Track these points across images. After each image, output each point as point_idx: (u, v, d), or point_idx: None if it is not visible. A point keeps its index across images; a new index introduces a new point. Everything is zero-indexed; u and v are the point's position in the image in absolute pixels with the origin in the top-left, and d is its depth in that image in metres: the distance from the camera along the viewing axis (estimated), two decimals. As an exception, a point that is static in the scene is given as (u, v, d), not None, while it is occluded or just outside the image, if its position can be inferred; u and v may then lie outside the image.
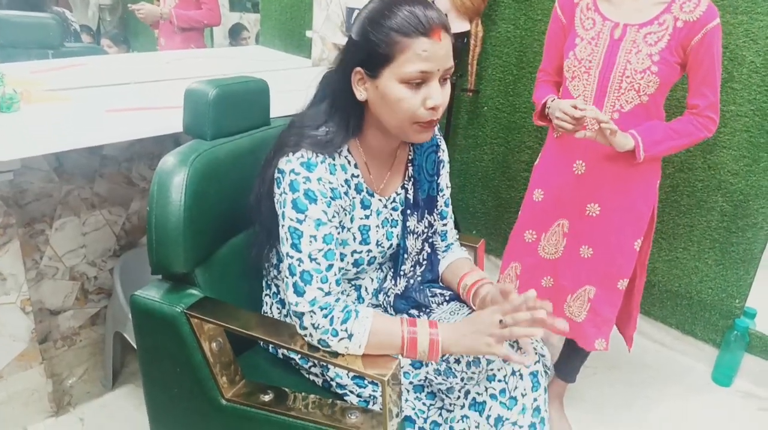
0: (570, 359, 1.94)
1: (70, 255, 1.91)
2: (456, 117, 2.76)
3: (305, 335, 1.09)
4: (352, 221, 1.19)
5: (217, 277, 1.27)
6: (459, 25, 2.38)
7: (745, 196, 2.08)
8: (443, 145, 1.35)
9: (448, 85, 1.09)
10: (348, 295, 1.29)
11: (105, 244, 1.98)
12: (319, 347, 1.09)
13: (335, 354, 1.09)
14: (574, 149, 1.65)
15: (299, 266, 1.08)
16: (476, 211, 2.84)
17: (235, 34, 3.74)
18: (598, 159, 1.62)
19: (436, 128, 1.22)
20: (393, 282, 1.32)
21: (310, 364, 1.27)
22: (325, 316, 1.07)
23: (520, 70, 2.51)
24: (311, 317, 1.07)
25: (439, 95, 1.06)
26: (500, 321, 1.07)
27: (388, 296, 1.31)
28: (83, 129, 1.51)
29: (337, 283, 1.11)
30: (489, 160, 2.72)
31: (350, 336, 1.07)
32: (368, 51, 1.05)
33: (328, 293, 1.08)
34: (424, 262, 1.36)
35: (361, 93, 1.10)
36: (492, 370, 1.18)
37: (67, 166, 1.81)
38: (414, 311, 1.33)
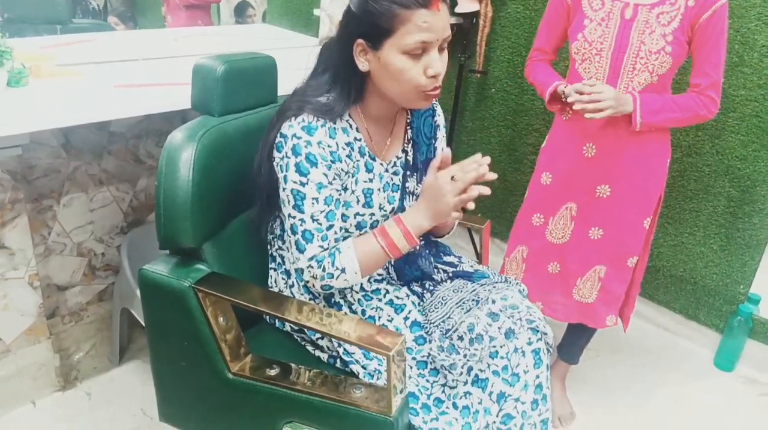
0: (574, 341, 1.96)
1: (78, 231, 1.92)
2: (463, 99, 2.74)
3: (311, 287, 1.20)
4: (356, 183, 1.22)
5: (225, 252, 1.27)
6: (468, 5, 2.36)
7: (753, 181, 2.07)
8: (439, 110, 1.39)
9: (445, 54, 1.14)
10: None
11: (112, 220, 1.99)
12: (322, 292, 1.21)
13: (336, 323, 1.10)
14: (585, 132, 1.64)
15: (301, 225, 1.15)
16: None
17: (241, 11, 3.72)
18: (609, 141, 1.61)
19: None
20: None
21: (317, 336, 1.28)
22: (319, 266, 1.15)
23: (529, 52, 2.49)
24: (310, 270, 1.16)
25: (438, 63, 1.10)
26: (452, 177, 1.13)
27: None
28: (92, 104, 1.52)
29: (336, 241, 1.17)
30: (496, 142, 2.71)
31: (343, 270, 1.15)
32: (369, 23, 1.08)
33: (326, 250, 1.16)
34: None
35: (363, 64, 1.13)
36: (494, 347, 1.19)
37: (75, 142, 1.81)
38: (417, 289, 1.34)
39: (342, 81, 1.17)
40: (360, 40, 1.10)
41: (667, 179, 1.73)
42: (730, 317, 2.21)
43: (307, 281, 1.18)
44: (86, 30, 2.47)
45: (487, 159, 1.16)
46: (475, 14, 2.39)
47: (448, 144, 2.69)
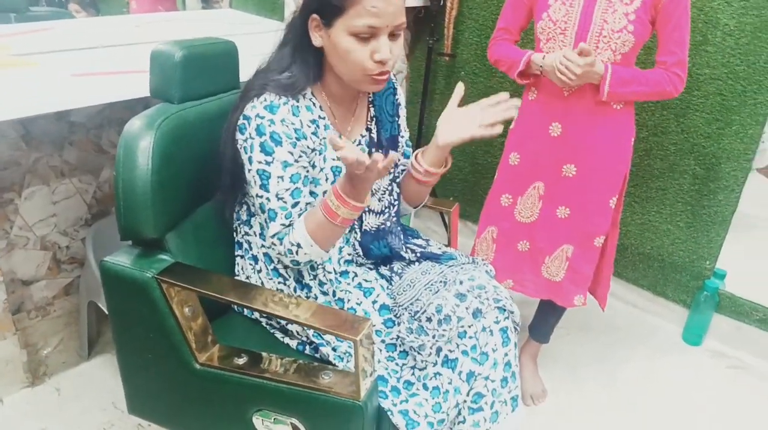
0: (544, 320, 1.98)
1: (41, 224, 1.88)
2: (433, 82, 2.73)
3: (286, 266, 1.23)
4: (324, 161, 1.22)
5: (190, 242, 1.26)
6: (435, -12, 2.34)
7: (717, 159, 2.11)
8: (400, 89, 1.40)
9: (400, 41, 1.14)
10: None
11: (76, 212, 1.95)
12: (294, 269, 1.24)
13: (301, 314, 1.09)
14: (550, 112, 1.65)
15: (267, 204, 1.15)
16: (453, 176, 2.85)
17: (207, -3, 3.64)
18: (574, 120, 1.62)
19: (390, 74, 1.23)
20: (359, 219, 1.33)
21: (285, 322, 1.27)
22: (281, 243, 1.17)
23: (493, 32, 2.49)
24: (274, 248, 1.19)
25: (386, 50, 1.10)
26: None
27: (356, 233, 1.33)
28: (49, 94, 1.47)
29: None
30: (466, 125, 2.70)
31: (299, 245, 1.15)
32: (324, 1, 1.08)
33: (288, 226, 1.16)
34: (395, 202, 1.39)
35: (316, 39, 1.14)
36: (462, 327, 1.20)
37: (34, 133, 1.76)
38: (386, 272, 1.34)
39: (300, 56, 1.17)
40: (315, 15, 1.11)
41: (634, 158, 1.75)
42: (697, 292, 2.25)
43: (279, 259, 1.20)
44: (44, 18, 2.40)
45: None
46: (442, -4, 2.38)
47: (418, 127, 2.68)
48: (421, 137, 2.70)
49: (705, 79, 2.06)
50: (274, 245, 1.17)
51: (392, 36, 1.11)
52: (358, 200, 1.11)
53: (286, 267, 1.27)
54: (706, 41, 2.02)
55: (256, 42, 2.30)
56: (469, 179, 2.80)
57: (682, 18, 1.49)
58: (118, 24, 2.43)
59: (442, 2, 2.39)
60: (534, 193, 1.75)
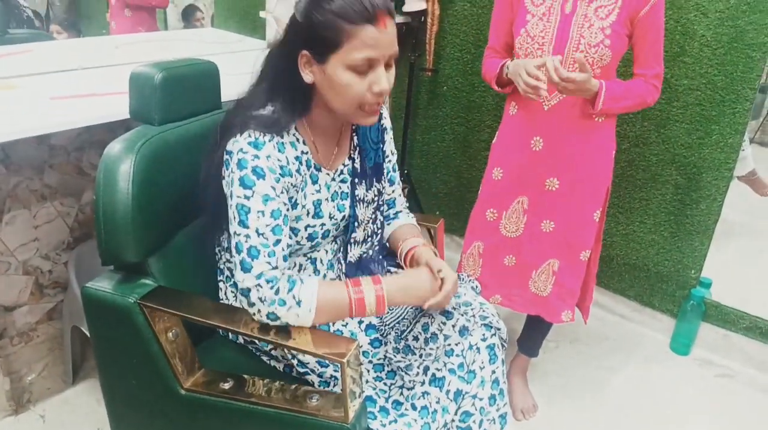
0: (532, 334, 1.98)
1: (22, 249, 1.85)
2: (416, 97, 2.75)
3: (254, 313, 1.09)
4: (305, 197, 1.20)
5: (172, 265, 1.24)
6: (416, 4, 2.36)
7: (698, 168, 2.13)
8: (385, 113, 1.37)
9: (393, 69, 1.11)
10: (304, 268, 1.28)
11: (58, 236, 1.93)
12: (269, 322, 1.09)
13: (288, 333, 1.08)
14: (531, 126, 1.66)
15: (246, 241, 1.07)
16: (438, 191, 2.85)
17: (189, 15, 3.64)
18: (556, 134, 1.63)
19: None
20: (344, 251, 1.32)
21: (270, 347, 1.26)
22: (271, 288, 1.07)
23: (478, 49, 2.51)
24: (258, 290, 1.06)
25: (385, 81, 1.08)
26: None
27: (341, 265, 1.31)
28: (27, 118, 1.46)
29: (284, 259, 1.11)
30: (450, 139, 2.72)
31: (299, 302, 1.08)
32: (315, 36, 1.05)
33: (275, 268, 1.08)
34: (378, 231, 1.37)
35: (307, 76, 1.10)
36: (449, 345, 1.19)
37: (14, 157, 1.74)
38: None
39: (285, 91, 1.13)
40: (305, 52, 1.07)
41: (617, 170, 1.76)
42: (683, 301, 2.27)
43: (253, 305, 1.08)
44: (24, 40, 2.38)
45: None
46: (423, 13, 2.39)
47: (402, 142, 2.69)
48: (406, 152, 2.71)
49: (684, 90, 2.08)
50: (260, 286, 1.06)
51: (387, 66, 1.09)
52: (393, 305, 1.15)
53: None
54: (684, 52, 2.05)
55: (238, 60, 2.30)
56: (454, 194, 2.80)
57: (658, 32, 1.52)
58: (98, 45, 2.42)
59: (423, 18, 2.41)
60: (518, 207, 1.75)
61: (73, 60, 2.02)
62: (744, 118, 2.01)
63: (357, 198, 1.29)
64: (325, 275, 1.30)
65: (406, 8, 2.44)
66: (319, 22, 1.03)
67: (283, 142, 1.12)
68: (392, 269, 1.38)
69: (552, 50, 1.55)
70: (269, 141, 1.09)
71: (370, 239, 1.34)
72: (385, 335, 1.24)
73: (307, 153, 1.19)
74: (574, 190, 1.67)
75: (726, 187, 2.11)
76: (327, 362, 1.21)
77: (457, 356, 1.20)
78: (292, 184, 1.14)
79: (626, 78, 1.62)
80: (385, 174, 1.37)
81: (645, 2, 1.48)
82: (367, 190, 1.31)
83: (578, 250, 1.72)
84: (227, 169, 1.10)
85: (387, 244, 1.42)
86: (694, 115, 2.09)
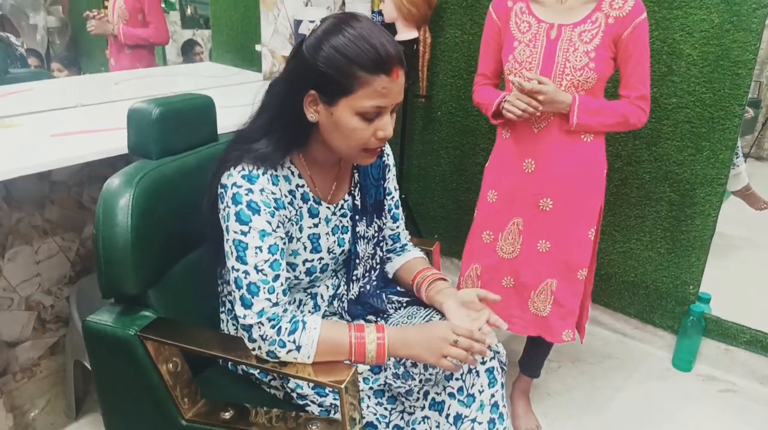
0: (533, 355, 1.98)
1: (25, 285, 1.87)
2: (411, 123, 2.78)
3: (254, 349, 1.10)
4: (301, 230, 1.20)
5: (172, 296, 1.26)
6: (407, 33, 2.41)
7: (691, 185, 2.15)
8: (387, 149, 1.37)
9: (395, 115, 1.13)
10: (304, 304, 1.29)
11: (60, 271, 1.95)
12: (268, 359, 1.10)
13: (286, 364, 1.10)
14: (523, 148, 1.69)
15: (245, 278, 1.08)
16: (436, 214, 2.87)
17: (188, 50, 3.70)
18: (546, 155, 1.66)
19: None
20: (346, 288, 1.33)
21: (269, 377, 1.27)
22: (273, 327, 1.08)
23: (470, 75, 2.55)
24: (259, 328, 1.08)
25: (389, 127, 1.10)
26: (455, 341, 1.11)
27: (343, 302, 1.32)
28: (28, 155, 1.49)
29: (284, 293, 1.11)
30: (446, 163, 2.75)
31: (298, 347, 1.08)
32: (327, 79, 1.05)
33: (275, 304, 1.09)
34: (378, 266, 1.38)
35: (312, 115, 1.10)
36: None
37: (15, 194, 1.77)
38: (371, 317, 1.34)
39: (286, 126, 1.12)
40: (313, 92, 1.07)
41: (611, 188, 1.78)
42: (683, 317, 2.27)
43: (254, 341, 1.09)
44: (25, 79, 2.43)
45: (480, 294, 1.25)
46: (415, 41, 2.44)
47: (399, 168, 2.72)
48: (402, 177, 2.74)
49: (673, 108, 2.11)
50: (261, 324, 1.07)
51: (391, 112, 1.11)
52: (397, 353, 1.13)
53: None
54: (671, 72, 2.09)
55: (235, 93, 2.34)
56: (452, 216, 2.82)
57: (642, 54, 1.55)
58: (98, 82, 2.46)
59: (415, 46, 2.46)
60: (514, 228, 1.77)
61: (73, 97, 2.06)
62: (734, 133, 2.04)
63: (358, 235, 1.30)
64: (325, 312, 1.31)
65: (398, 37, 2.48)
66: (331, 65, 1.03)
67: (277, 175, 1.13)
68: (393, 298, 1.38)
69: (539, 74, 1.58)
70: (263, 174, 1.10)
71: (368, 274, 1.36)
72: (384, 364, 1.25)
73: (303, 186, 1.20)
74: (568, 210, 1.69)
75: (719, 202, 2.13)
76: (326, 391, 1.22)
77: (456, 379, 1.20)
78: (286, 217, 1.15)
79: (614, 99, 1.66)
80: (386, 211, 1.38)
81: (627, 25, 1.52)
82: (367, 227, 1.32)
83: (575, 269, 1.74)
84: (222, 203, 1.11)
85: (393, 277, 1.43)
86: (684, 133, 2.12)
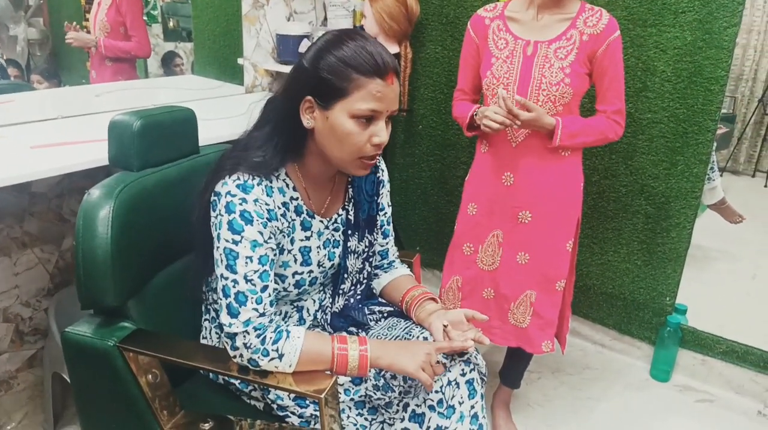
0: (514, 366, 1.99)
1: (3, 296, 1.86)
2: (393, 137, 2.81)
3: (235, 356, 1.10)
4: (292, 243, 1.21)
5: (152, 307, 1.26)
6: (388, 48, 2.43)
7: (667, 198, 2.19)
8: (382, 166, 1.39)
9: (390, 125, 1.15)
10: (290, 316, 1.30)
11: (38, 283, 1.93)
12: (249, 367, 1.10)
13: (267, 374, 1.10)
14: (501, 162, 1.72)
15: (234, 287, 1.09)
16: (418, 227, 2.89)
17: (168, 62, 3.70)
18: (525, 169, 1.69)
19: None
20: (331, 301, 1.34)
21: (250, 388, 1.27)
22: (258, 336, 1.08)
23: (450, 89, 2.59)
24: (244, 337, 1.08)
25: (384, 133, 1.11)
26: (438, 361, 1.15)
27: (326, 315, 1.33)
28: (7, 167, 1.49)
29: (271, 304, 1.12)
30: (427, 176, 2.78)
31: (281, 356, 1.09)
32: (323, 82, 1.08)
33: (262, 314, 1.10)
34: (364, 280, 1.39)
35: (308, 121, 1.12)
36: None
37: (-6, 206, 1.76)
38: (353, 329, 1.35)
39: (282, 135, 1.15)
40: (309, 97, 1.10)
41: (588, 201, 1.82)
42: (660, 328, 2.30)
43: (236, 349, 1.09)
44: (5, 91, 2.42)
45: (468, 314, 1.26)
46: (397, 56, 2.47)
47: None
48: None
49: (648, 123, 2.16)
50: (247, 333, 1.08)
51: (387, 122, 1.13)
52: (379, 364, 1.14)
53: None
54: (646, 88, 2.14)
55: (217, 105, 2.35)
56: (433, 229, 2.85)
57: (616, 70, 1.60)
58: (79, 94, 2.45)
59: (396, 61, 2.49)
60: (494, 241, 1.80)
61: (54, 109, 2.06)
62: (707, 148, 2.09)
63: (348, 249, 1.31)
64: (310, 325, 1.32)
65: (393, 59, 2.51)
66: (329, 70, 1.07)
67: (271, 187, 1.14)
68: (375, 309, 1.39)
69: (516, 90, 1.62)
70: (258, 185, 1.11)
71: (354, 287, 1.37)
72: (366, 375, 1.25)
73: (297, 199, 1.21)
74: (546, 222, 1.72)
75: (694, 215, 2.17)
76: (306, 402, 1.22)
77: (436, 392, 1.20)
78: (278, 228, 1.15)
79: (591, 113, 1.70)
80: (378, 226, 1.39)
81: (601, 42, 1.56)
82: (359, 242, 1.33)
83: (554, 280, 1.76)
84: (214, 211, 1.12)
85: (380, 293, 1.45)
86: (659, 147, 2.17)
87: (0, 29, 2.76)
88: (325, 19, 2.70)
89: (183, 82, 2.81)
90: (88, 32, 2.76)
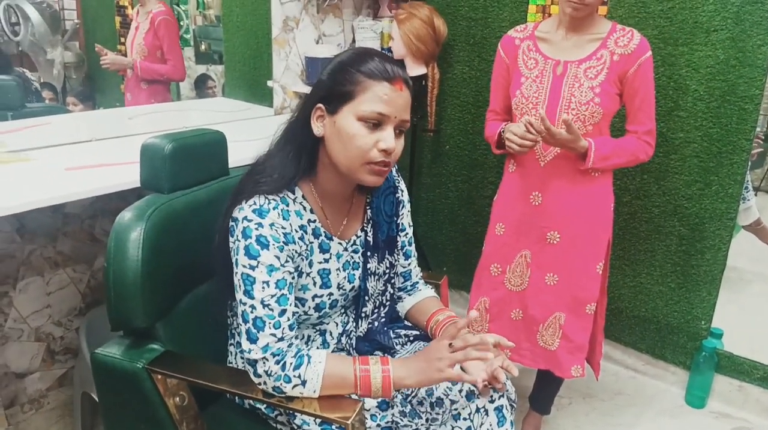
0: (544, 391, 1.96)
1: (35, 316, 1.89)
2: (419, 157, 2.81)
3: (259, 383, 1.10)
4: (310, 265, 1.20)
5: (180, 330, 1.26)
6: (416, 69, 2.45)
7: (701, 219, 2.14)
8: (402, 186, 1.37)
9: (402, 139, 1.14)
10: (313, 340, 1.29)
11: (70, 303, 1.96)
12: (274, 394, 1.09)
13: (292, 399, 1.09)
14: (530, 181, 1.70)
15: (252, 312, 1.09)
16: (445, 247, 2.87)
17: (201, 84, 3.77)
18: (553, 189, 1.67)
19: (393, 169, 1.25)
20: (355, 325, 1.33)
21: (276, 413, 1.26)
22: (278, 362, 1.08)
23: (478, 109, 2.58)
24: (264, 363, 1.08)
25: (391, 140, 1.09)
26: (450, 344, 1.11)
27: (351, 339, 1.32)
28: (42, 189, 1.52)
29: (291, 328, 1.12)
30: (454, 197, 2.76)
31: (304, 382, 1.08)
32: (332, 88, 1.10)
33: (281, 339, 1.09)
34: (387, 303, 1.37)
35: (318, 128, 1.13)
36: (456, 409, 1.18)
37: (29, 226, 1.80)
38: (378, 353, 1.33)
39: (294, 145, 1.15)
40: (319, 105, 1.12)
41: (619, 222, 1.78)
42: (696, 353, 2.24)
43: (259, 376, 1.09)
44: (41, 114, 2.48)
45: (493, 339, 1.14)
46: (424, 77, 2.47)
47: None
48: (410, 211, 2.75)
49: (680, 143, 2.12)
50: (266, 360, 1.07)
51: (398, 132, 1.12)
52: (404, 385, 1.13)
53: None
54: (678, 107, 2.10)
55: (247, 128, 2.38)
56: (461, 249, 2.82)
57: (648, 90, 1.58)
58: (113, 117, 2.51)
59: (423, 82, 2.49)
60: (522, 261, 1.77)
61: (88, 131, 2.11)
62: (742, 168, 2.04)
63: (369, 271, 1.30)
64: (334, 349, 1.31)
65: (407, 73, 2.53)
66: (338, 75, 1.10)
67: (288, 210, 1.14)
68: (401, 332, 1.38)
69: (545, 109, 1.61)
70: (273, 209, 1.11)
71: (377, 310, 1.35)
72: (392, 397, 1.24)
73: (314, 221, 1.20)
74: (575, 244, 1.69)
75: (729, 237, 2.12)
76: (333, 427, 1.21)
77: (465, 419, 1.18)
78: (296, 251, 1.15)
79: (621, 133, 1.67)
80: (399, 247, 1.38)
81: (633, 62, 1.54)
82: (378, 263, 1.32)
83: (583, 303, 1.73)
84: (232, 237, 1.12)
85: (405, 316, 1.43)
86: (692, 167, 2.12)
87: (38, 53, 2.84)
88: (353, 41, 2.73)
89: (214, 104, 2.86)
90: (124, 55, 2.83)
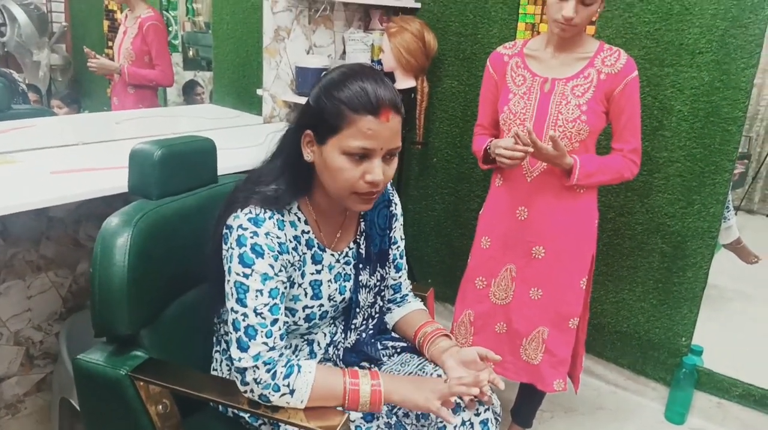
0: (526, 404, 1.96)
1: (15, 320, 1.86)
2: (407, 169, 2.82)
3: (245, 391, 1.10)
4: (303, 276, 1.20)
5: (165, 337, 1.25)
6: (405, 82, 2.46)
7: (683, 237, 2.18)
8: (396, 199, 1.38)
9: (394, 162, 1.13)
10: (300, 350, 1.29)
11: (51, 307, 1.94)
12: (260, 402, 1.09)
13: (277, 409, 1.09)
14: (515, 196, 1.72)
15: (244, 320, 1.08)
16: (431, 259, 2.88)
17: (189, 90, 3.75)
18: (539, 204, 1.69)
19: (388, 184, 1.26)
20: (343, 336, 1.33)
21: (260, 422, 1.25)
22: (268, 371, 1.07)
23: (466, 123, 2.61)
24: (254, 372, 1.07)
25: (379, 172, 1.08)
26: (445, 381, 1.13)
27: (338, 350, 1.32)
28: (27, 192, 1.50)
29: (281, 337, 1.11)
30: (441, 209, 2.78)
31: (292, 391, 1.08)
32: (318, 117, 1.09)
33: (272, 349, 1.09)
34: (376, 315, 1.38)
35: (308, 155, 1.13)
36: (441, 421, 1.18)
37: (12, 229, 1.78)
38: (365, 364, 1.33)
39: (290, 169, 1.15)
40: (308, 131, 1.11)
41: (603, 238, 1.81)
42: (676, 369, 2.26)
43: (246, 384, 1.08)
44: (27, 116, 2.46)
45: (480, 352, 1.20)
46: (413, 90, 2.49)
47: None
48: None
49: (664, 162, 2.16)
50: (257, 368, 1.07)
51: (388, 158, 1.11)
52: (391, 400, 1.13)
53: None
54: (663, 127, 2.14)
55: (235, 135, 2.38)
56: (446, 262, 2.84)
57: (634, 109, 1.61)
58: (99, 121, 2.49)
59: (412, 95, 2.51)
60: (507, 275, 1.79)
61: (74, 135, 2.09)
62: (724, 188, 2.08)
63: (360, 284, 1.30)
64: (320, 358, 1.31)
65: (396, 86, 2.54)
66: (325, 106, 1.07)
67: (283, 220, 1.14)
68: (388, 344, 1.38)
69: (532, 125, 1.63)
70: (269, 218, 1.11)
71: (366, 322, 1.35)
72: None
73: (308, 233, 1.20)
74: (560, 259, 1.71)
75: (711, 255, 2.15)
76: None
77: (450, 432, 1.19)
78: (289, 262, 1.15)
79: (607, 151, 1.70)
80: (390, 260, 1.38)
81: (619, 81, 1.57)
82: (370, 276, 1.32)
83: (567, 318, 1.74)
84: (226, 244, 1.12)
85: (393, 328, 1.43)
86: (675, 186, 2.16)
87: (24, 54, 2.82)
88: (344, 52, 2.74)
89: (202, 111, 2.85)
90: (111, 59, 2.81)
